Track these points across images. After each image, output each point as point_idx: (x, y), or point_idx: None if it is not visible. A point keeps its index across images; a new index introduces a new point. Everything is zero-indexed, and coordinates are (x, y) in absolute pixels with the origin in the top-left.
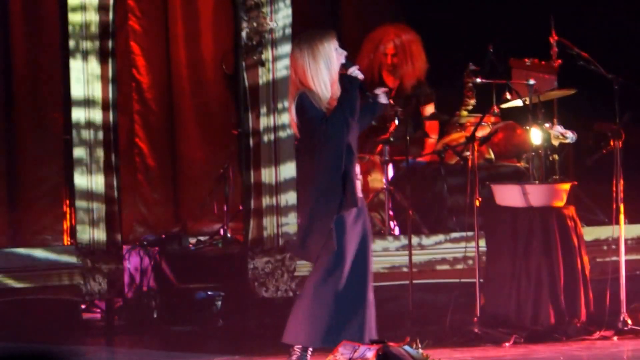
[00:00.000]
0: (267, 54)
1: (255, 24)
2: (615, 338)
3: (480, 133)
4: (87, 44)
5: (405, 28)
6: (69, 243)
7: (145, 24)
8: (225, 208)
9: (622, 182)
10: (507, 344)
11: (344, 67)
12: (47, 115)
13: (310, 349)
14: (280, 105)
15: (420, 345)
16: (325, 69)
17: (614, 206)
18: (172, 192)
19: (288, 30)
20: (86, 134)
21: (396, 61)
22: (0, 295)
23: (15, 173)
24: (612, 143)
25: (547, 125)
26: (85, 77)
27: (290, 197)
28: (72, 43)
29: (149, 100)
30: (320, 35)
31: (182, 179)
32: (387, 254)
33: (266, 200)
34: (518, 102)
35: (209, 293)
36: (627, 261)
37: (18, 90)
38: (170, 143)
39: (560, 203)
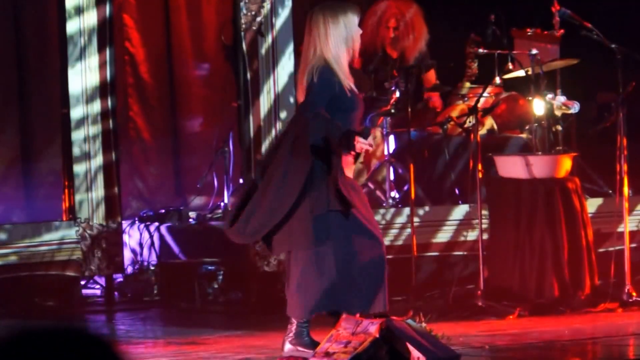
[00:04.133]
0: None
1: None
2: (619, 310)
3: (482, 104)
4: (83, 16)
5: (406, 1)
6: (68, 218)
7: None
8: (225, 181)
9: (625, 152)
10: (511, 317)
11: (363, 134)
12: (50, 88)
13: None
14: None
15: (423, 319)
16: (344, 44)
17: (618, 177)
18: (170, 165)
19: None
20: (84, 108)
21: (398, 34)
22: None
23: (22, 147)
24: (615, 113)
25: (549, 96)
26: (82, 51)
27: None
28: (69, 16)
29: (143, 73)
30: (345, 6)
31: (182, 152)
32: (389, 226)
33: None
34: (520, 73)
35: (210, 268)
36: (631, 232)
37: (26, 60)
38: (170, 116)
39: (563, 174)
